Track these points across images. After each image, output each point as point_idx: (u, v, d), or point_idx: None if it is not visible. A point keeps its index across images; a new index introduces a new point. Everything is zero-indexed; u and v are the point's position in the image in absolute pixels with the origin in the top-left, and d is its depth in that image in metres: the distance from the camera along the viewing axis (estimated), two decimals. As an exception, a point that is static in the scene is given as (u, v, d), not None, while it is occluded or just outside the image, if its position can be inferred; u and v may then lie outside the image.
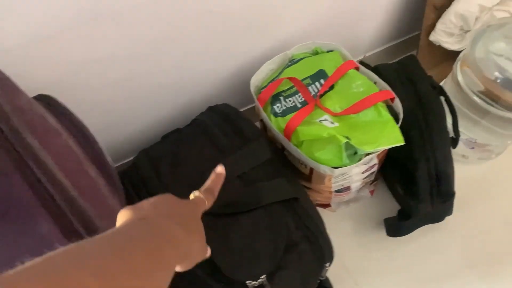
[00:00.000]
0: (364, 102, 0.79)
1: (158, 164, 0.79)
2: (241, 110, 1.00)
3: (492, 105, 0.90)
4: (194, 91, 0.91)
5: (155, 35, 0.72)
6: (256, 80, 0.89)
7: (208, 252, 0.50)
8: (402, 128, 0.87)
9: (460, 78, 0.94)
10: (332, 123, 0.79)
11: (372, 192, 1.05)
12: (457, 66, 0.96)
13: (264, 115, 0.84)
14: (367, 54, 1.18)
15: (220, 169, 0.59)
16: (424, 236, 0.98)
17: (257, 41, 0.90)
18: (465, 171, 1.08)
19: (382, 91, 0.81)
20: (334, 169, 0.78)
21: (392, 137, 0.77)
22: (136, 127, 0.90)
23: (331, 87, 0.84)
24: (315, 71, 0.86)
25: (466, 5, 0.98)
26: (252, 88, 0.87)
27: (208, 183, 0.56)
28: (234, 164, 0.76)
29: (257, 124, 0.88)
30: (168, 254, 0.33)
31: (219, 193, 0.59)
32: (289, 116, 0.81)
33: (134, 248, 0.31)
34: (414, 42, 1.10)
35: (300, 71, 0.87)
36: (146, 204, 0.41)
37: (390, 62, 0.99)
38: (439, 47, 1.07)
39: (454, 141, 0.89)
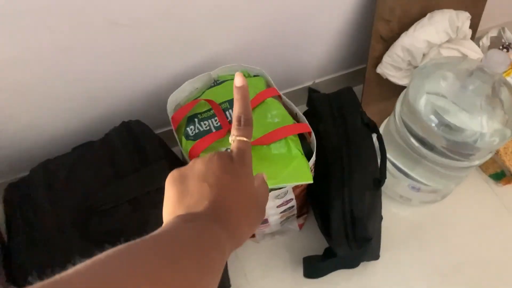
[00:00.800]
0: (275, 134, 0.74)
1: (52, 178, 0.75)
2: (166, 129, 0.96)
3: (429, 150, 0.85)
4: (108, 106, 0.87)
5: (53, 42, 0.68)
6: (176, 98, 0.84)
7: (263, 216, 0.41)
8: (324, 164, 0.83)
9: (397, 118, 0.89)
10: (239, 153, 0.74)
11: (301, 226, 1.00)
12: (399, 104, 0.91)
13: (176, 136, 0.79)
14: (317, 81, 1.13)
15: (239, 79, 0.41)
16: (348, 280, 0.92)
17: (179, 59, 0.85)
18: (404, 214, 1.03)
19: (297, 125, 0.76)
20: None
21: (298, 174, 0.72)
22: (43, 137, 0.86)
23: (248, 114, 0.79)
24: (234, 95, 0.81)
25: (413, 40, 0.93)
26: (171, 106, 0.83)
27: (236, 109, 0.41)
28: (126, 187, 0.71)
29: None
30: (215, 259, 0.32)
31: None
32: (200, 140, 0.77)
33: (183, 255, 0.30)
34: (364, 74, 1.05)
35: (221, 94, 0.82)
36: (194, 176, 0.36)
37: (329, 93, 0.94)
38: (388, 80, 1.02)
39: (378, 184, 0.83)
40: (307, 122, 0.78)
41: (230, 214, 0.36)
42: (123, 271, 0.26)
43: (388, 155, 0.97)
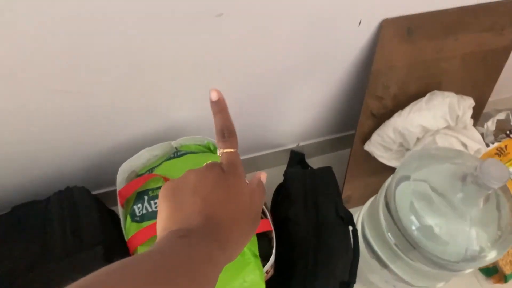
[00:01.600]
0: (229, 231, 0.65)
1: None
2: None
3: (404, 254, 0.76)
4: (56, 167, 0.78)
5: None
6: (131, 166, 0.75)
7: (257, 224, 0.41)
8: (288, 255, 0.74)
9: (381, 205, 0.79)
10: (184, 249, 0.64)
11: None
12: (381, 194, 0.80)
13: (121, 214, 0.70)
14: (301, 143, 1.03)
15: (214, 94, 0.42)
16: None
17: (138, 124, 0.76)
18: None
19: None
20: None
21: (248, 283, 0.63)
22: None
23: (205, 199, 0.70)
24: (193, 174, 0.72)
25: (406, 123, 0.83)
26: (123, 175, 0.74)
27: (217, 122, 0.41)
28: (52, 275, 0.62)
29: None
30: (208, 274, 0.32)
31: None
32: (145, 224, 0.68)
33: (178, 271, 0.30)
34: (351, 140, 0.95)
35: (180, 168, 0.73)
36: (186, 189, 0.37)
37: (308, 169, 0.85)
38: (377, 156, 0.92)
39: (346, 287, 0.73)
40: (269, 217, 0.68)
41: (222, 228, 0.36)
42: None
43: (369, 238, 0.88)
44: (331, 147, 1.08)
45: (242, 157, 0.98)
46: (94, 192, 0.85)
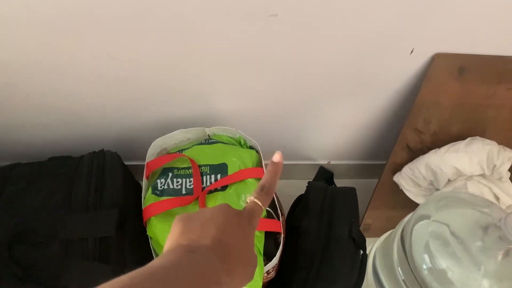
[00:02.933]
0: (239, 223, 0.66)
1: (6, 186, 0.72)
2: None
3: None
4: (98, 127, 0.84)
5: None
6: (163, 143, 0.79)
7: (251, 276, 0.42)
8: (292, 264, 0.74)
9: (395, 244, 0.78)
10: (194, 229, 0.66)
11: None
12: (399, 228, 0.79)
13: (144, 185, 0.74)
14: (332, 162, 1.03)
15: (277, 157, 0.45)
16: None
17: (178, 104, 0.80)
18: None
19: (267, 220, 0.68)
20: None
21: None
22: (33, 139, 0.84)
23: (224, 187, 0.72)
24: (219, 162, 0.74)
25: (441, 162, 0.81)
26: (154, 149, 0.78)
27: (264, 178, 0.43)
28: (66, 225, 0.66)
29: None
30: None
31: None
32: (163, 198, 0.70)
33: (184, 285, 0.31)
34: (382, 170, 0.94)
35: (207, 155, 0.76)
36: (201, 218, 0.38)
37: (331, 186, 0.85)
38: (404, 190, 0.91)
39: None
40: (280, 220, 0.69)
41: (231, 251, 0.36)
42: None
43: (379, 270, 0.86)
44: (361, 172, 1.07)
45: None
46: (127, 163, 0.89)
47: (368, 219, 0.99)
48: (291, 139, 0.95)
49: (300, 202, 0.87)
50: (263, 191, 0.42)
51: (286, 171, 1.06)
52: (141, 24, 0.62)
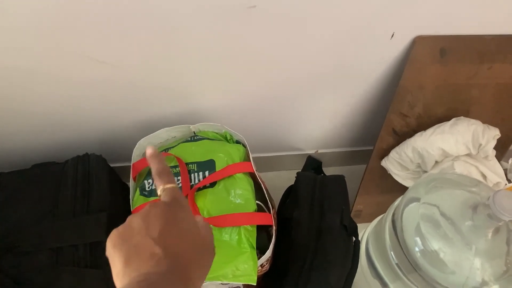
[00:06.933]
0: (230, 219, 0.66)
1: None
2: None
3: (404, 275, 0.74)
4: (80, 132, 0.82)
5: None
6: (149, 143, 0.78)
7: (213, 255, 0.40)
8: (285, 257, 0.74)
9: (387, 228, 0.78)
10: (184, 228, 0.66)
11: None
12: (390, 212, 0.79)
13: (132, 186, 0.73)
14: (320, 151, 1.03)
15: (149, 150, 0.43)
16: None
17: (162, 104, 0.79)
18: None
19: (258, 214, 0.67)
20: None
21: (241, 273, 0.63)
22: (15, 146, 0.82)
23: (213, 184, 0.71)
24: (206, 159, 0.73)
25: (427, 144, 0.81)
26: (139, 150, 0.76)
27: (154, 168, 0.42)
28: (52, 234, 0.65)
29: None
30: None
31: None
32: (152, 199, 0.70)
33: None
34: (370, 156, 0.95)
35: (193, 153, 0.75)
36: (134, 234, 0.35)
37: (320, 175, 0.84)
38: (393, 174, 0.91)
39: (337, 298, 0.73)
40: (271, 213, 0.69)
41: (182, 264, 0.34)
42: None
43: (372, 255, 0.87)
44: (349, 159, 1.08)
45: (259, 155, 1.00)
46: (112, 165, 0.87)
47: (359, 205, 0.99)
48: (278, 131, 0.95)
49: (290, 193, 0.87)
50: (162, 174, 0.41)
51: (275, 163, 1.06)
52: (118, 24, 0.61)
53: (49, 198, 0.70)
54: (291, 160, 1.05)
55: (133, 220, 0.36)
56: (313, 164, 1.04)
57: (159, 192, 0.40)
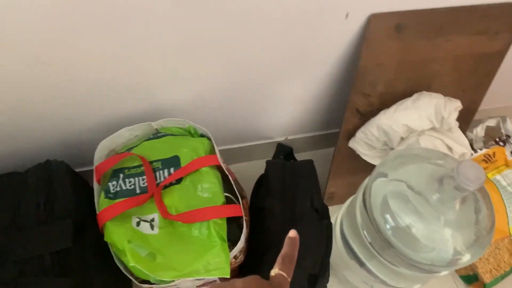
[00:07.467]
0: (199, 214, 0.65)
1: None
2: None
3: (379, 253, 0.75)
4: (40, 138, 0.79)
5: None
6: (110, 144, 0.76)
7: None
8: (261, 246, 0.74)
9: (358, 207, 0.79)
10: (152, 228, 0.65)
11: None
12: (360, 191, 0.80)
13: (96, 190, 0.71)
14: (290, 137, 1.03)
15: (293, 233, 0.49)
16: None
17: (120, 103, 0.77)
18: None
19: (226, 206, 0.67)
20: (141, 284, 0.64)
21: (213, 267, 0.63)
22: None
23: (179, 180, 0.70)
24: (170, 156, 0.72)
25: (391, 122, 0.82)
26: (102, 152, 0.75)
27: (284, 250, 0.47)
28: (16, 246, 0.63)
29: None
30: None
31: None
32: (117, 201, 0.68)
33: None
34: (337, 138, 0.95)
35: (157, 150, 0.73)
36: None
37: (287, 162, 0.84)
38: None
39: (314, 281, 0.73)
40: (241, 203, 0.68)
41: None
42: None
43: (347, 236, 0.87)
44: (319, 143, 1.08)
45: (229, 147, 0.99)
46: (79, 169, 0.85)
47: (331, 187, 1.00)
48: (246, 121, 0.94)
49: (262, 182, 0.86)
50: (285, 261, 0.44)
51: (246, 153, 1.05)
52: (67, 22, 0.58)
53: (12, 209, 0.68)
54: (262, 149, 1.04)
55: (235, 282, 0.40)
56: (284, 151, 1.04)
57: (272, 273, 0.43)
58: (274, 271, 0.43)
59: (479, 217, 0.71)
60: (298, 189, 0.78)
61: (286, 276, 0.43)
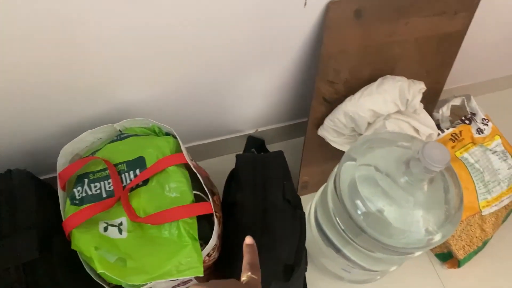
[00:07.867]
0: (167, 214, 0.64)
1: None
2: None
3: (352, 240, 0.75)
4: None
5: None
6: (73, 149, 0.74)
7: None
8: (235, 239, 0.73)
9: (329, 194, 0.79)
10: (121, 232, 0.63)
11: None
12: (331, 178, 0.80)
13: (61, 197, 0.69)
14: (260, 129, 1.02)
15: (249, 240, 0.53)
16: None
17: (81, 106, 0.75)
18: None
19: (195, 205, 0.66)
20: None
21: (185, 267, 0.62)
22: None
23: (146, 181, 0.69)
24: (135, 157, 0.70)
25: (357, 108, 0.82)
26: (65, 158, 0.73)
27: (246, 258, 0.49)
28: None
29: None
30: None
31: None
32: (83, 207, 0.66)
33: None
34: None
35: (121, 152, 0.72)
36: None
37: (257, 155, 0.84)
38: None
39: (290, 271, 0.73)
40: (211, 201, 0.67)
41: None
42: None
43: (322, 224, 0.87)
44: (290, 133, 1.07)
45: (199, 143, 0.98)
46: (44, 177, 0.83)
47: (304, 176, 1.00)
48: (213, 116, 0.93)
49: (232, 176, 0.85)
50: (252, 267, 0.47)
51: (217, 148, 1.04)
52: (12, 28, 0.56)
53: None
54: (233, 143, 1.04)
55: (213, 282, 0.43)
56: (255, 143, 1.03)
57: (243, 278, 0.46)
58: (246, 275, 0.46)
59: (448, 196, 0.72)
60: (269, 181, 0.77)
61: (255, 277, 0.46)
